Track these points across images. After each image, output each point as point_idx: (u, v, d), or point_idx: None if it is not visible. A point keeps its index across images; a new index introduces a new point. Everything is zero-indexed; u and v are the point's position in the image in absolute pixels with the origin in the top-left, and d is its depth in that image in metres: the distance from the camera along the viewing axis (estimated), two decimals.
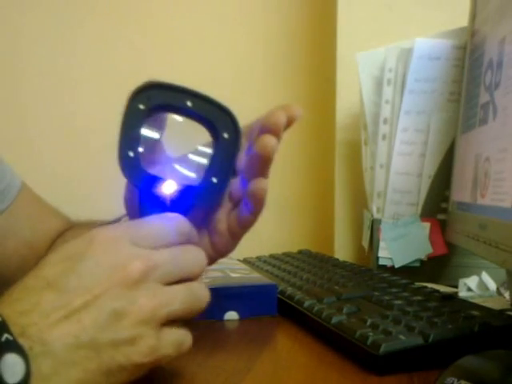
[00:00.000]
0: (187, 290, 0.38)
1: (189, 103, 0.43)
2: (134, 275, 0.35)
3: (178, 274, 0.38)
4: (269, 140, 0.43)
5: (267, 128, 0.42)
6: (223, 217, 0.47)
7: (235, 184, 0.46)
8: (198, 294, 0.38)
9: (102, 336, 0.33)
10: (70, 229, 0.64)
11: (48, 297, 0.33)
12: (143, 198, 0.43)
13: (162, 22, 1.08)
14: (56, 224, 0.65)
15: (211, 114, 0.44)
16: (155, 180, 0.42)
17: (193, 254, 0.40)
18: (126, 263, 0.35)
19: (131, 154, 0.41)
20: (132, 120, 0.42)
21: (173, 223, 0.40)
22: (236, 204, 0.46)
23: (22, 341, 0.30)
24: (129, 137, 0.42)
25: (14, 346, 0.30)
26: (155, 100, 0.42)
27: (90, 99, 1.07)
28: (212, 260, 0.48)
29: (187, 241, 0.40)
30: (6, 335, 0.30)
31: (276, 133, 0.43)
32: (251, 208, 0.45)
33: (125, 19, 1.08)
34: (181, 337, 0.37)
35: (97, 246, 0.35)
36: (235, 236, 0.47)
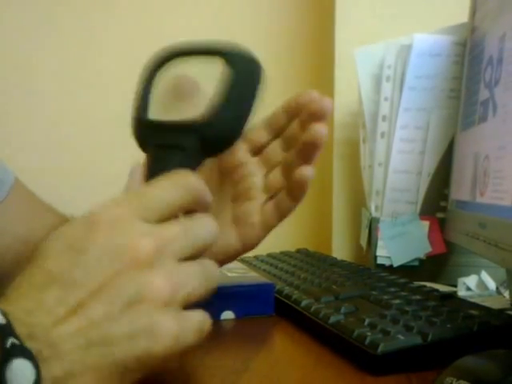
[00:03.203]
0: (202, 266, 0.35)
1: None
2: (145, 255, 0.32)
3: (191, 247, 0.35)
4: (319, 127, 0.44)
5: (314, 113, 0.44)
6: (256, 209, 0.47)
7: (273, 175, 0.47)
8: (211, 271, 0.36)
9: (116, 329, 0.30)
10: None
11: (53, 292, 0.30)
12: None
13: (162, 21, 1.08)
14: (51, 220, 0.64)
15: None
16: None
17: (204, 223, 0.37)
18: (134, 243, 0.32)
19: None
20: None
21: (181, 180, 0.36)
22: (273, 195, 0.47)
23: (30, 344, 0.28)
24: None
25: (21, 351, 0.27)
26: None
27: (86, 96, 1.06)
28: (236, 255, 0.48)
29: (199, 198, 0.37)
30: (11, 339, 0.27)
31: (323, 117, 0.44)
32: (294, 195, 0.46)
33: (124, 18, 1.07)
34: (200, 320, 0.34)
35: (100, 229, 0.32)
36: (268, 227, 0.47)
